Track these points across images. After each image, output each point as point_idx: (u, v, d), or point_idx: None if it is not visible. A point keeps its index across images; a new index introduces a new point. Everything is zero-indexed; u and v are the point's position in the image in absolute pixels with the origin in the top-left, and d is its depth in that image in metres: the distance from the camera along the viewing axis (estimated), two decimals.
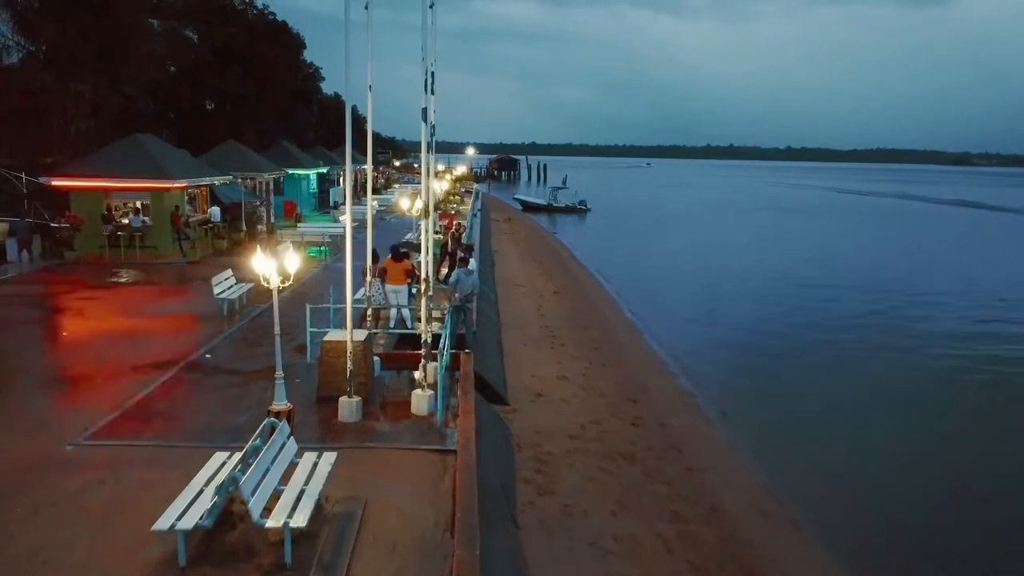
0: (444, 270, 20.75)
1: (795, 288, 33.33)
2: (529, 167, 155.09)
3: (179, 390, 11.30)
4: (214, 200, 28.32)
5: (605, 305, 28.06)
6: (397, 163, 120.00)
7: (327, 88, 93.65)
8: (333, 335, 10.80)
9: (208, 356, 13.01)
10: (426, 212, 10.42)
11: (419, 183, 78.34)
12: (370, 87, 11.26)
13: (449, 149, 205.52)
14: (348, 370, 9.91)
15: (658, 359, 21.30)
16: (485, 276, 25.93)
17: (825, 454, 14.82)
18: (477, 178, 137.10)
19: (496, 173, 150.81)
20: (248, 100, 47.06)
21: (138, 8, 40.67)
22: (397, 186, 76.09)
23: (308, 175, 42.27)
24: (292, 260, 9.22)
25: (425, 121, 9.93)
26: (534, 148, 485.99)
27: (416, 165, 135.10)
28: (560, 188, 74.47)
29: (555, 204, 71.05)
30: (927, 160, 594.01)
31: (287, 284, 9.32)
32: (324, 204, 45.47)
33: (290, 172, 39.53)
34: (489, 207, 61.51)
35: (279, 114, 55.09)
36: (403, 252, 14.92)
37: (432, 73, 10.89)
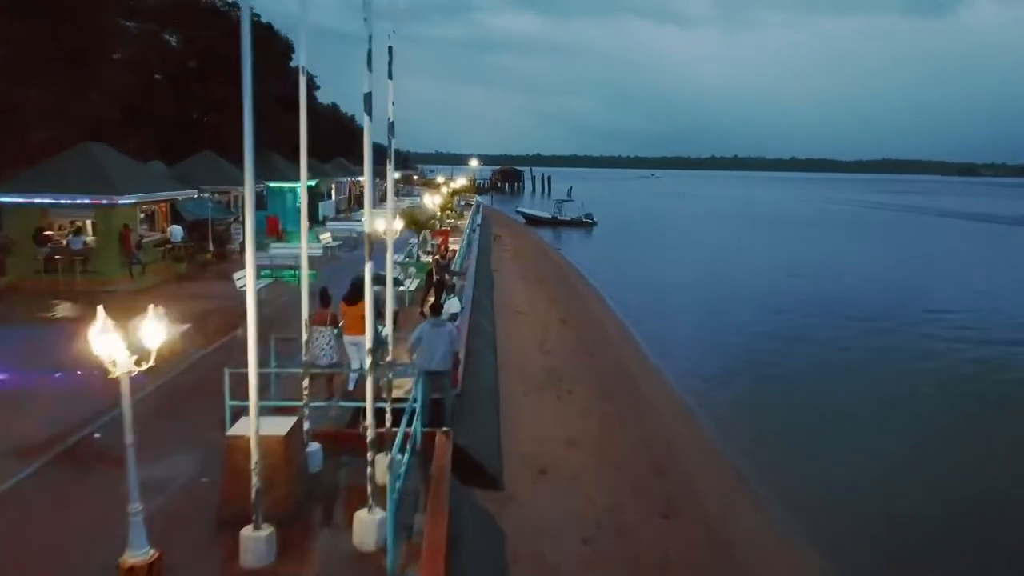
0: (431, 299, 17.52)
1: (813, 304, 30.56)
2: (533, 178, 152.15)
3: (32, 498, 8.02)
4: (176, 218, 25.12)
5: (617, 335, 24.74)
6: (397, 175, 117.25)
7: (324, 98, 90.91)
8: (240, 427, 7.48)
9: (98, 436, 9.74)
10: (370, 245, 7.09)
11: (419, 195, 74.47)
12: (302, 69, 7.97)
13: (453, 160, 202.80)
14: (254, 489, 6.59)
15: (682, 404, 18.02)
16: (481, 302, 22.72)
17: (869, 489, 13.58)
18: (480, 190, 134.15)
19: (500, 185, 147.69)
20: (232, 107, 43.98)
21: (109, 10, 37.79)
22: (396, 199, 73.23)
23: (294, 188, 39.04)
24: (152, 332, 5.93)
25: (369, 113, 6.62)
26: (538, 159, 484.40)
27: (418, 176, 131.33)
28: (565, 200, 71.18)
29: (560, 217, 67.77)
30: (932, 170, 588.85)
31: (145, 366, 6.03)
32: (313, 219, 42.33)
33: (272, 185, 36.39)
34: (491, 221, 58.35)
35: (266, 123, 52.23)
36: (361, 291, 11.55)
37: (389, 49, 7.63)
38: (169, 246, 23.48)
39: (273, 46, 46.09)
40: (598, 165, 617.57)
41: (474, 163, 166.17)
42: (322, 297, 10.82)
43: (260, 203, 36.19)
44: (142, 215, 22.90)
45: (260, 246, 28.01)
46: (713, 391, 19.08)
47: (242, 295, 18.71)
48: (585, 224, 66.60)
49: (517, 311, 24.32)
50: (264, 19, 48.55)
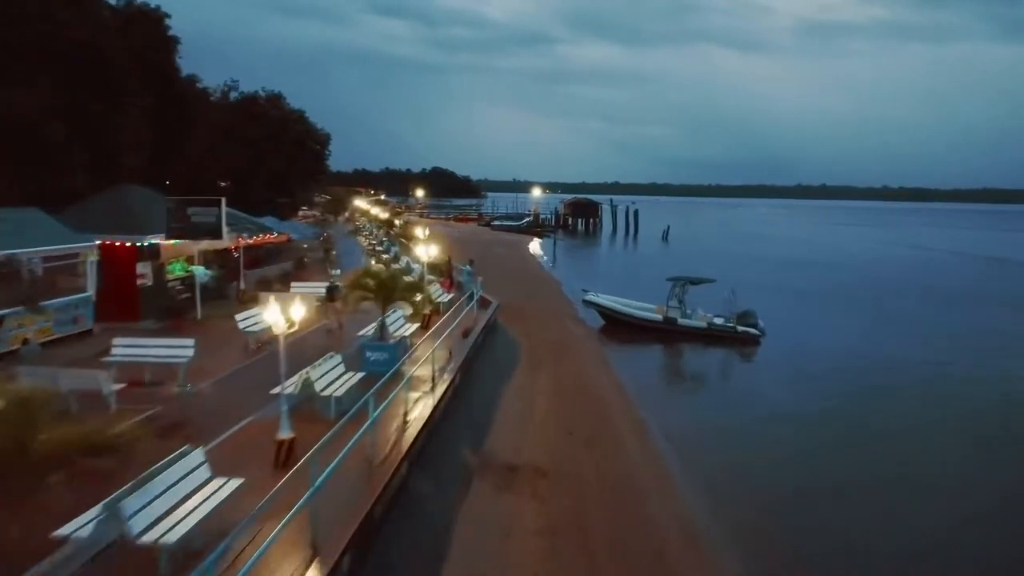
0: None
1: None
2: (614, 213, 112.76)
3: None
4: None
5: None
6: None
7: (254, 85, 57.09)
8: None
9: None
10: None
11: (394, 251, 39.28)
12: None
13: (522, 189, 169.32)
14: None
15: None
16: None
17: None
18: (543, 227, 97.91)
19: (570, 221, 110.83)
20: None
21: None
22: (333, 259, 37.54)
23: None
24: None
25: None
26: (616, 188, 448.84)
27: (463, 211, 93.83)
28: (689, 281, 32.81)
29: (683, 322, 30.38)
30: None
31: None
32: None
33: None
34: (507, 360, 21.78)
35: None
36: None
37: None
38: None
39: None
40: (678, 194, 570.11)
41: (536, 192, 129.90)
42: None
43: None
44: None
45: None
46: None
47: None
48: (743, 340, 29.22)
49: None
50: None
